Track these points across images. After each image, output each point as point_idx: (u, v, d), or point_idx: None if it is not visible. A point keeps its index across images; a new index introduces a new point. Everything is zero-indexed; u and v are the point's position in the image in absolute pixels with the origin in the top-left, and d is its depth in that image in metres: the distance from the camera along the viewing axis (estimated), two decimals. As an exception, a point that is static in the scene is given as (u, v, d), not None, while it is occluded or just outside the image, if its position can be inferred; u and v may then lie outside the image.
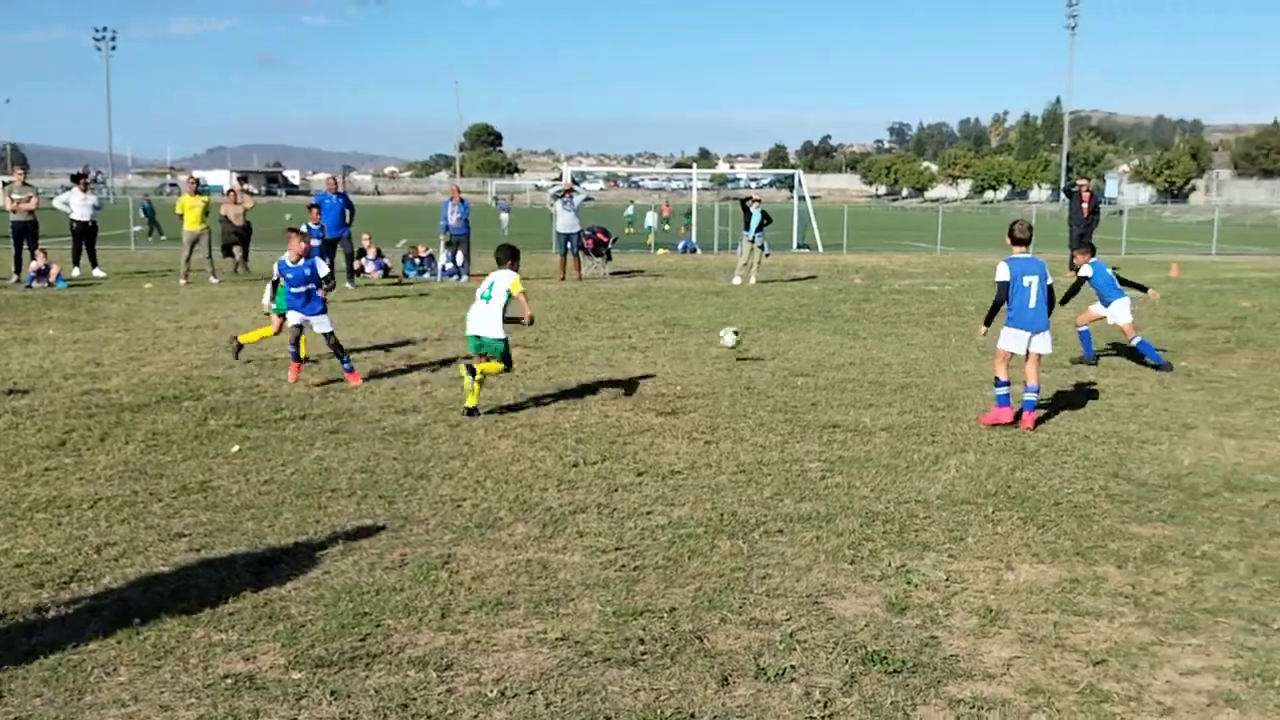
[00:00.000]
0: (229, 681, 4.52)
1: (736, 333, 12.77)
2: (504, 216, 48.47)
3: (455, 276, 23.19)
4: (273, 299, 12.17)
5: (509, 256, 10.39)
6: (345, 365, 11.14)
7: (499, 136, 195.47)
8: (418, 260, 24.49)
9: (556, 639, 4.99)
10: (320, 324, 11.14)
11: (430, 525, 6.62)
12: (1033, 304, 9.26)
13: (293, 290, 11.07)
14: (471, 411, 9.51)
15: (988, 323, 9.69)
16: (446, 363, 12.34)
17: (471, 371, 9.55)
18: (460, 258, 23.44)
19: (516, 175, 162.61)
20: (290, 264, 11.00)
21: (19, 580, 5.61)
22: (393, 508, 6.94)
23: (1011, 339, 9.34)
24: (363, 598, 5.43)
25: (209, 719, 4.20)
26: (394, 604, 5.37)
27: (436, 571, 5.82)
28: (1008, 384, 9.34)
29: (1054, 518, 6.87)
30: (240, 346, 12.17)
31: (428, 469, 7.88)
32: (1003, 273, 9.35)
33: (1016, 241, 9.48)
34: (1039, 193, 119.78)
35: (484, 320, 9.87)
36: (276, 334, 12.21)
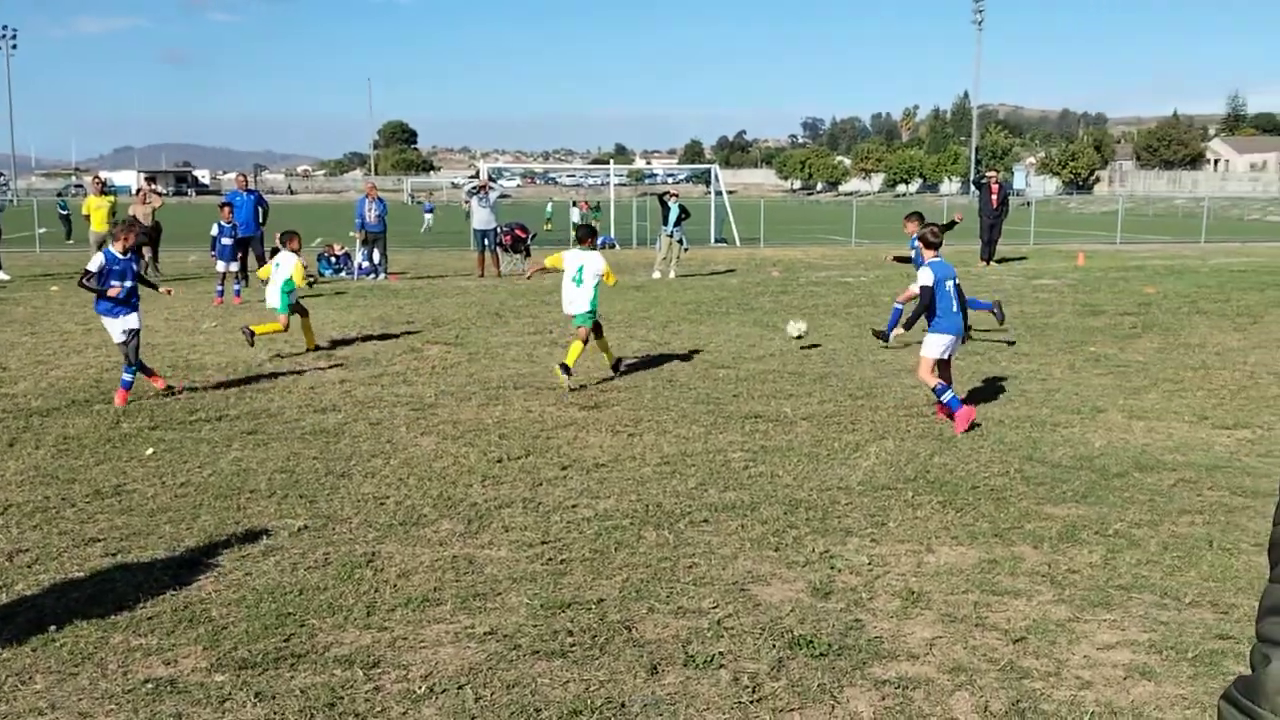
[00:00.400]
0: (150, 686, 4.42)
1: (802, 329, 13.13)
2: (428, 217, 47.92)
3: (372, 275, 22.93)
4: (278, 300, 12.68)
5: (589, 235, 11.45)
6: (127, 377, 9.91)
7: (414, 134, 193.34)
8: (333, 259, 24.16)
9: (484, 633, 4.97)
10: (130, 321, 9.95)
11: (354, 524, 6.54)
12: (955, 308, 9.20)
13: (115, 284, 9.85)
14: (566, 369, 10.54)
15: (908, 327, 9.79)
16: (365, 361, 12.20)
17: (567, 371, 10.53)
18: (377, 255, 23.17)
19: (432, 173, 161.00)
20: (119, 255, 9.97)
21: (-75, 591, 5.43)
22: (314, 507, 6.85)
23: (939, 345, 9.11)
24: (286, 598, 5.36)
25: (130, 725, 4.11)
26: (318, 603, 5.30)
27: (361, 570, 5.76)
28: (948, 386, 9.12)
29: (972, 501, 7.02)
30: (254, 334, 12.37)
31: (349, 467, 7.79)
32: (927, 277, 9.14)
33: (931, 245, 9.36)
34: (949, 185, 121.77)
35: (578, 301, 10.90)
36: (285, 330, 12.74)
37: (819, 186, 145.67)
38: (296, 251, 13.17)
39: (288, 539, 6.24)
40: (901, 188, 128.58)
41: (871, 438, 8.68)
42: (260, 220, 20.96)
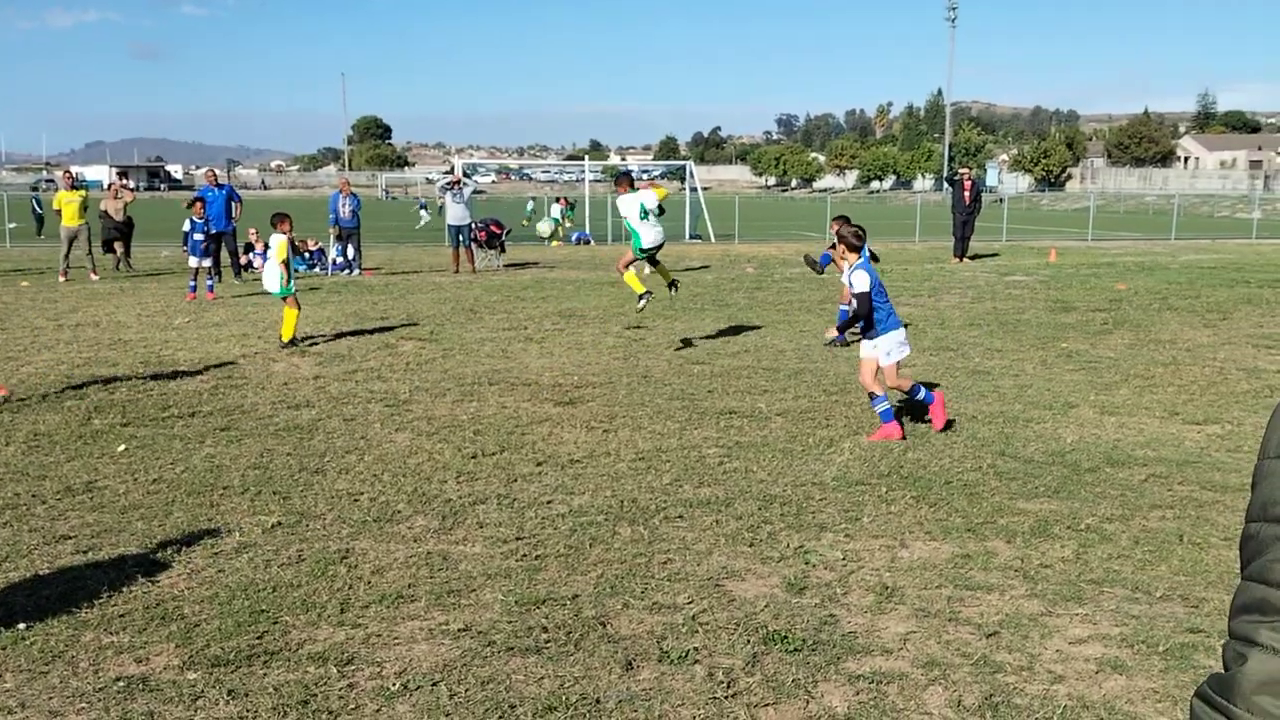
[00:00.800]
0: (121, 684, 4.39)
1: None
2: (424, 214, 47.38)
3: (346, 270, 22.82)
4: (288, 282, 12.97)
5: (625, 179, 13.25)
6: None
7: (388, 129, 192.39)
8: (307, 254, 24.03)
9: (459, 630, 4.96)
10: None
11: (327, 520, 6.52)
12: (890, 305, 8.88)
13: None
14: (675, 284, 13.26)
15: (841, 331, 9.27)
16: (339, 357, 12.14)
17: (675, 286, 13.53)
18: (351, 251, 23.06)
19: (407, 168, 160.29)
20: None
21: (-108, 589, 5.36)
22: (288, 504, 6.81)
23: (898, 345, 8.64)
24: (259, 595, 5.33)
25: (101, 724, 4.08)
26: (291, 600, 5.28)
27: (335, 566, 5.74)
28: (922, 385, 8.96)
29: (945, 496, 7.05)
30: (295, 342, 12.75)
31: (323, 464, 7.75)
32: (865, 282, 8.48)
33: (855, 249, 8.82)
34: (923, 182, 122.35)
35: (658, 229, 12.80)
36: (299, 310, 13.13)
37: (793, 183, 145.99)
38: (286, 233, 13.17)
39: (261, 536, 6.21)
40: (875, 184, 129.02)
41: (845, 433, 8.71)
42: (233, 215, 20.82)
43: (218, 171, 22.96)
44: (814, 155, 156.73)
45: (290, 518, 6.54)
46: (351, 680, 4.47)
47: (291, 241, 13.49)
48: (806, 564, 5.85)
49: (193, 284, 18.11)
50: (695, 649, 4.77)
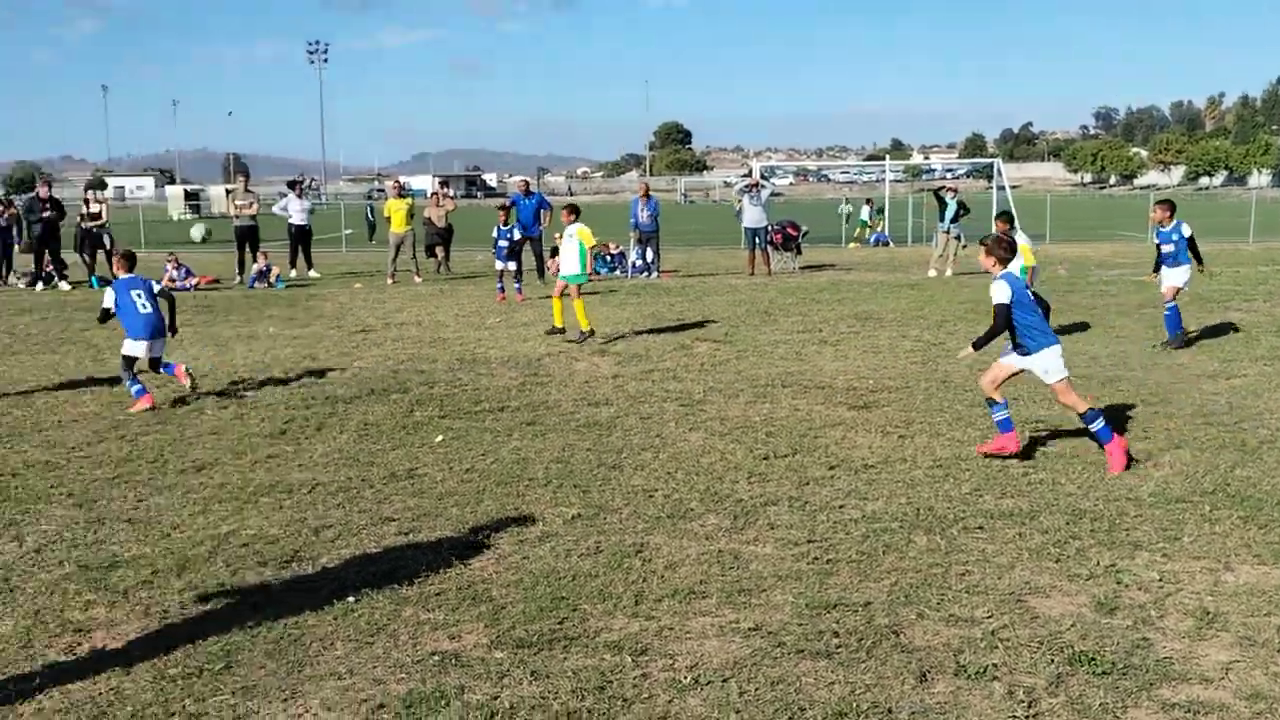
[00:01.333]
0: (436, 659, 4.70)
1: None
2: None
3: (645, 273, 23.43)
4: (585, 270, 14.17)
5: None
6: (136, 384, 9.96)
7: (688, 134, 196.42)
8: (609, 257, 24.85)
9: (749, 629, 4.99)
10: (157, 348, 10.21)
11: (623, 514, 6.72)
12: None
13: (143, 310, 10.08)
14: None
15: (979, 345, 8.14)
16: (637, 357, 12.49)
17: None
18: (650, 254, 23.66)
19: (705, 172, 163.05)
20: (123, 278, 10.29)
21: (245, 559, 5.98)
22: (587, 497, 7.08)
23: (1057, 361, 7.85)
24: (560, 582, 5.57)
25: (418, 693, 4.38)
26: (589, 589, 5.48)
27: (630, 559, 5.91)
28: (1107, 423, 7.77)
29: (1277, 518, 6.45)
30: (586, 333, 13.58)
31: (620, 460, 8.00)
32: (1004, 294, 7.75)
33: (1004, 260, 8.01)
34: (1259, 178, 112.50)
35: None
36: (563, 294, 14.01)
37: (1112, 180, 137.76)
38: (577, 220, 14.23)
39: (562, 526, 6.48)
40: (1205, 180, 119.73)
41: (1165, 446, 8.12)
42: (541, 222, 21.86)
43: (529, 180, 24.18)
44: (1135, 150, 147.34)
45: (589, 510, 6.79)
46: (645, 670, 4.59)
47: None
48: (1118, 583, 5.51)
49: (500, 285, 19.10)
50: (994, 665, 4.59)
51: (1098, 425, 7.65)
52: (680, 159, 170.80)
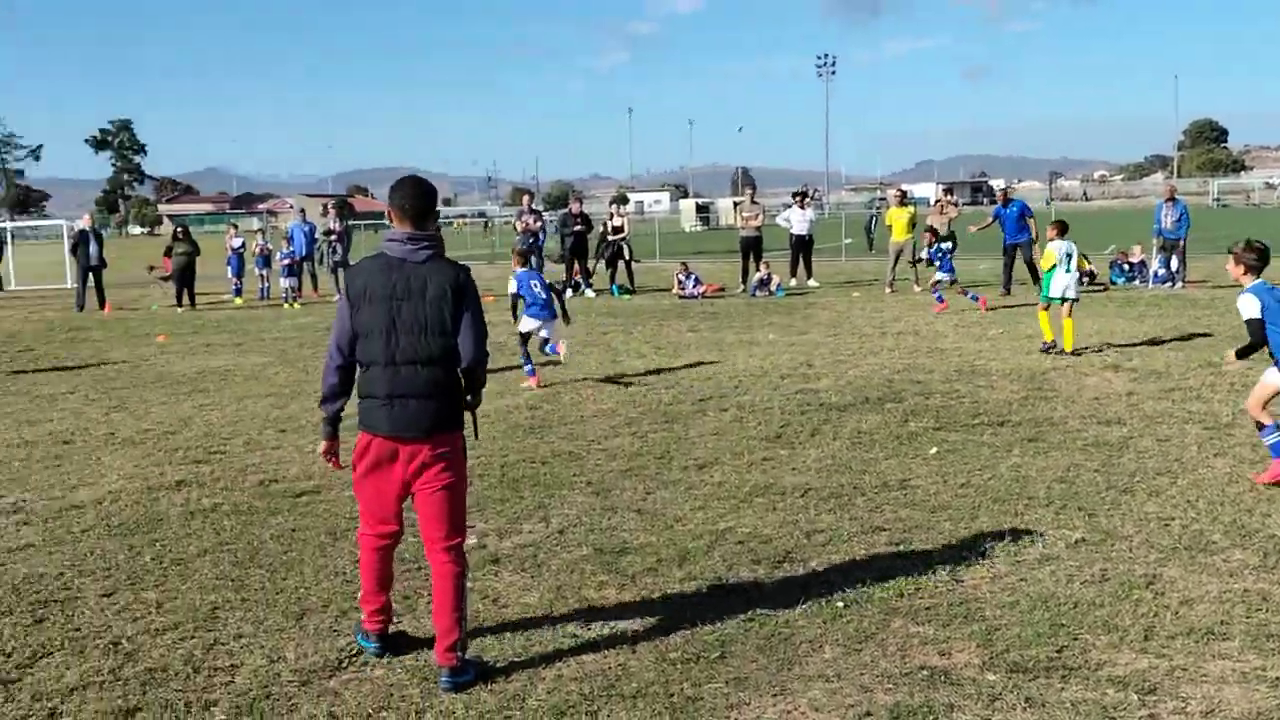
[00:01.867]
0: (925, 673, 4.63)
1: None
2: None
3: (1168, 283, 21.58)
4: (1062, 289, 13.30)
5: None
6: (528, 368, 11.96)
7: (1223, 132, 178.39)
8: (1126, 266, 23.19)
9: (1276, 678, 4.44)
10: (548, 329, 12.16)
11: (1133, 542, 6.23)
12: None
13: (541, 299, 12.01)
14: None
15: (1242, 355, 7.62)
16: (1155, 374, 11.52)
17: None
18: (1175, 263, 21.76)
19: (1242, 173, 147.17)
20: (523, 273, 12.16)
21: (740, 556, 6.25)
22: (1093, 521, 6.64)
23: None
24: (1059, 609, 5.27)
25: (905, 706, 4.34)
26: (1092, 619, 5.14)
27: (1139, 591, 5.47)
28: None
29: None
30: (1077, 352, 13.17)
31: (1132, 483, 7.43)
32: (1252, 308, 7.38)
33: (1255, 269, 7.59)
34: None
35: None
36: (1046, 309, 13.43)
37: None
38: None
39: (1064, 550, 6.13)
40: None
41: None
42: (1031, 231, 21.00)
43: (1007, 188, 23.48)
44: None
45: (1095, 535, 6.37)
46: (1153, 711, 4.23)
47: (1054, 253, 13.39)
48: None
49: (943, 294, 18.55)
50: None
51: (1272, 439, 7.32)
52: (1214, 159, 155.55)
